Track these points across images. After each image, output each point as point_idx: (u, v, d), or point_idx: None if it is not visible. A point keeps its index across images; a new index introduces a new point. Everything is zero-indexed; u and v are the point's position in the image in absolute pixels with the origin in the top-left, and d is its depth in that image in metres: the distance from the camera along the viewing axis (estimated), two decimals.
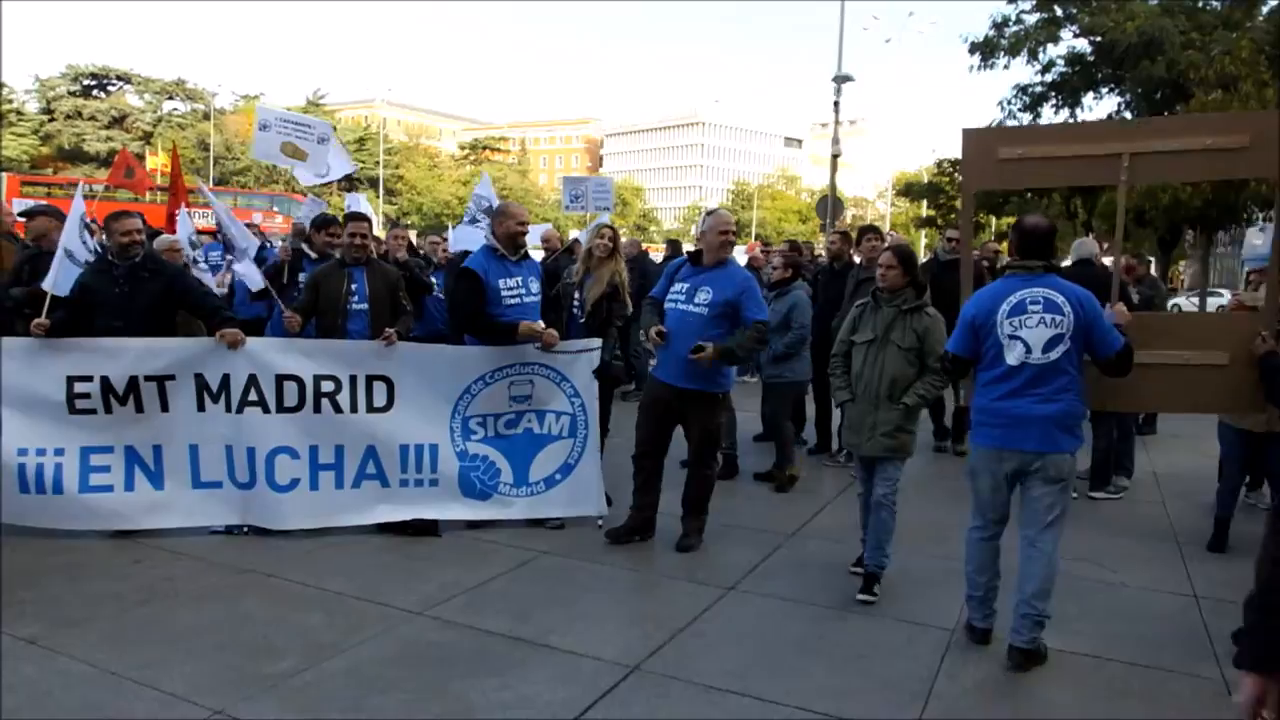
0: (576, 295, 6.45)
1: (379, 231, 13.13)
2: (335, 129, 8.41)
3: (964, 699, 3.74)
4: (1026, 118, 23.51)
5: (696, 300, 5.29)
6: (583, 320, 6.52)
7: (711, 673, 3.86)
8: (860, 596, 4.71)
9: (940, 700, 3.71)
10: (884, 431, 4.75)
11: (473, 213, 7.94)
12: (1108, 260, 7.60)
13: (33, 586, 4.59)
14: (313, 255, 6.79)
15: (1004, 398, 4.02)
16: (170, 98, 64.92)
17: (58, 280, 5.44)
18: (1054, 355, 3.94)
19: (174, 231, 9.96)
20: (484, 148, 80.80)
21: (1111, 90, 23.06)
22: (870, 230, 8.19)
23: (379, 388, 5.56)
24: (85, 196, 6.31)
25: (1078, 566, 5.36)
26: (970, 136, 4.70)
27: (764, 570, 5.21)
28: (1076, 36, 22.59)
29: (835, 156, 24.73)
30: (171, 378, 5.35)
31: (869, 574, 4.79)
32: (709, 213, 5.71)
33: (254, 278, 6.66)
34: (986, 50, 22.62)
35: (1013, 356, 3.98)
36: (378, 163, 64.28)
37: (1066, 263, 7.27)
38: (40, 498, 5.21)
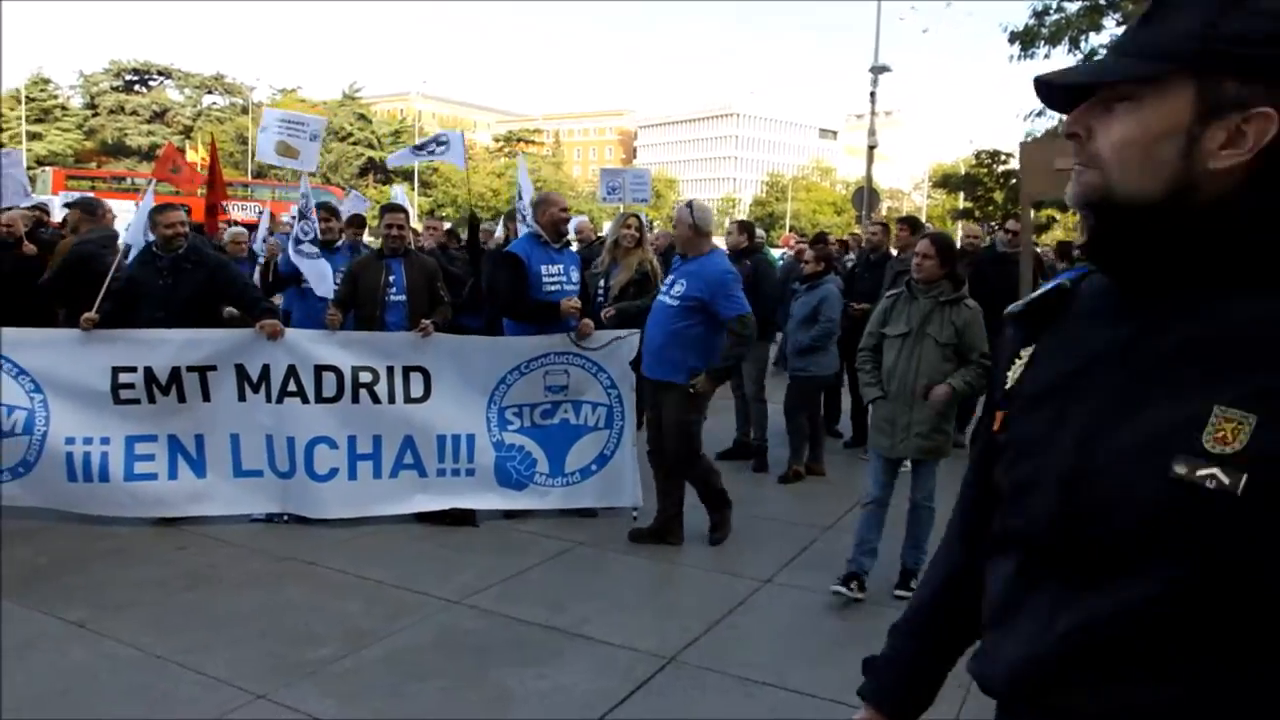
0: (602, 284, 6.45)
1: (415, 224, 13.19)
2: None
3: None
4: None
5: (672, 292, 5.23)
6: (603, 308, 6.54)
7: (748, 665, 3.85)
8: (898, 592, 4.62)
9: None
10: (919, 432, 4.52)
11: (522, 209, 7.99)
12: None
13: (80, 571, 4.69)
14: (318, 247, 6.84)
15: None
16: (209, 92, 65.81)
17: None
18: None
19: (214, 226, 10.10)
20: (518, 140, 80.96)
21: None
22: (904, 221, 8.10)
23: (416, 379, 5.60)
24: (126, 190, 6.43)
25: None
26: (1027, 148, 5.00)
27: (800, 563, 5.19)
28: (1120, 24, 22.17)
29: (871, 148, 24.52)
30: (213, 368, 5.43)
31: (906, 570, 4.70)
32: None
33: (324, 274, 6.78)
34: (1026, 39, 22.23)
35: None
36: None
37: None
38: (87, 485, 5.31)
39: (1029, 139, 22.72)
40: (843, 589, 4.54)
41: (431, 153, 8.20)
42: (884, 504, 4.70)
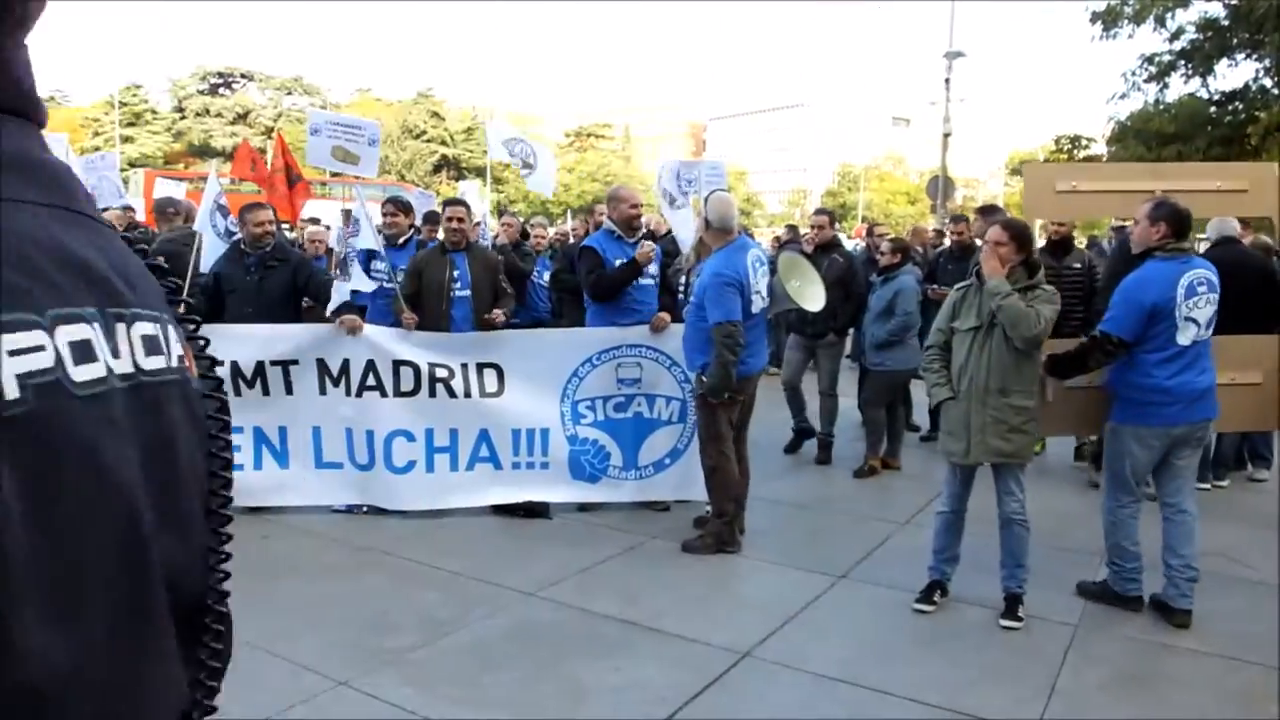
0: (683, 281, 6.43)
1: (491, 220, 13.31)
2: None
3: (1090, 697, 3.60)
4: (1152, 89, 22.27)
5: (694, 287, 5.17)
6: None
7: (822, 661, 3.81)
8: (1005, 623, 4.21)
9: (1064, 697, 3.57)
10: (996, 433, 4.19)
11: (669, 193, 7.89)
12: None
13: None
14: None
15: (1178, 374, 4.18)
16: (289, 93, 67.55)
17: (203, 258, 5.85)
18: (1211, 330, 4.24)
19: (295, 221, 10.35)
20: (588, 135, 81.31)
21: (1248, 56, 21.63)
22: (983, 210, 7.89)
23: (490, 375, 5.66)
24: None
25: (1211, 561, 5.07)
26: (1031, 171, 5.44)
27: (875, 559, 5.12)
28: (1208, 0, 21.26)
29: (946, 136, 24.01)
30: (295, 362, 5.57)
31: (1012, 596, 4.29)
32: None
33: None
34: (1109, 19, 21.49)
35: (1185, 337, 4.15)
36: (485, 151, 65.55)
37: (1204, 242, 6.88)
38: None
39: (1112, 121, 21.97)
40: (926, 606, 4.39)
41: (526, 166, 8.24)
42: (961, 514, 4.46)
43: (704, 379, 5.03)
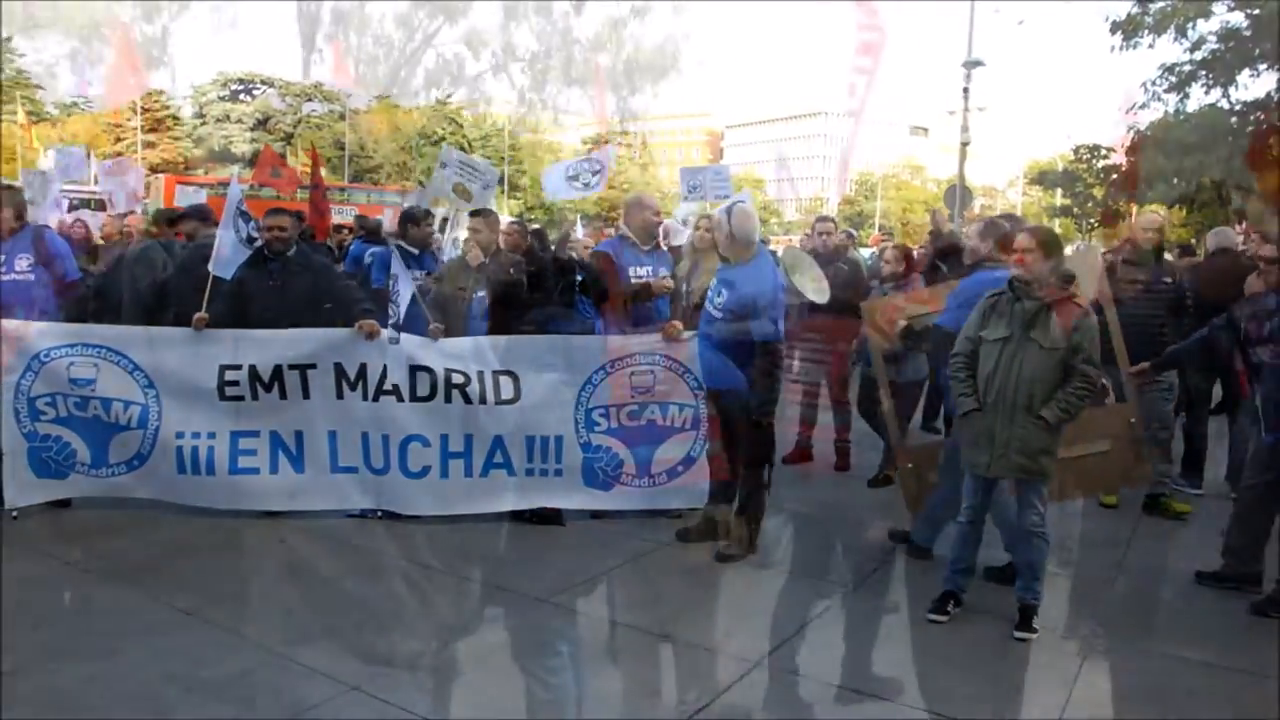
0: (684, 288, 6.47)
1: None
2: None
3: (1105, 710, 3.59)
4: (1173, 99, 22.17)
5: (715, 302, 5.08)
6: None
7: (834, 670, 3.81)
8: (1019, 634, 4.15)
9: (1078, 709, 3.55)
10: (1020, 450, 4.12)
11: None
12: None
13: (189, 562, 4.90)
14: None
15: None
16: (309, 100, 68.03)
17: (217, 262, 5.85)
18: None
19: (324, 230, 10.50)
20: (605, 142, 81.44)
21: (1270, 67, 21.50)
22: (1002, 219, 7.84)
23: (505, 382, 5.68)
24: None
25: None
26: (870, 311, 5.88)
27: (888, 569, 5.11)
28: (1231, 10, 21.13)
29: (964, 145, 23.95)
30: (313, 366, 5.60)
31: (1025, 607, 4.22)
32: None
33: None
34: (1130, 29, 21.40)
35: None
36: (503, 159, 65.77)
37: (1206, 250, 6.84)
38: (195, 478, 5.55)
39: (1132, 131, 21.87)
40: (939, 617, 4.33)
41: (586, 185, 8.33)
42: (979, 523, 4.42)
43: (756, 397, 4.94)
